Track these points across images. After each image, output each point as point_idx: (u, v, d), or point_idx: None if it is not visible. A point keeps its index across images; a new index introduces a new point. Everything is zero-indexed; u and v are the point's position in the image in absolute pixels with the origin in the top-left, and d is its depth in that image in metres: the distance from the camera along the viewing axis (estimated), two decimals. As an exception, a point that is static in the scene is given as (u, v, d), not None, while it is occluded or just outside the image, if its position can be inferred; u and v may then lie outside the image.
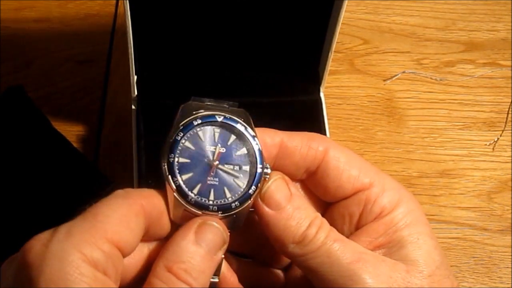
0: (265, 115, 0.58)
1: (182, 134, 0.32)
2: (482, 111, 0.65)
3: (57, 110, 0.62)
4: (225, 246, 0.32)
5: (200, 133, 0.33)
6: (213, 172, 0.32)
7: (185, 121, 0.33)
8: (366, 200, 0.34)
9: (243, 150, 0.33)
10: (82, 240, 0.28)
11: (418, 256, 0.33)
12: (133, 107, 0.57)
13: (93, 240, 0.28)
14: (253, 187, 0.33)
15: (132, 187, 0.53)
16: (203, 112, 0.33)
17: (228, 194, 0.32)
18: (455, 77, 0.67)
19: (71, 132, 0.60)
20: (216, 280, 0.33)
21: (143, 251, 0.32)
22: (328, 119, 0.59)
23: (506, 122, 0.65)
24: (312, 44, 0.57)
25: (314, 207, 0.36)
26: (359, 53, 0.68)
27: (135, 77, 0.56)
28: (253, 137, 0.33)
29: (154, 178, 0.35)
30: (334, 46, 0.55)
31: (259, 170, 0.33)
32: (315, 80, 0.59)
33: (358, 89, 0.66)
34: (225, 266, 0.35)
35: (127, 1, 0.48)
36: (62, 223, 0.29)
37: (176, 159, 0.32)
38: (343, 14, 0.52)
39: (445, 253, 0.56)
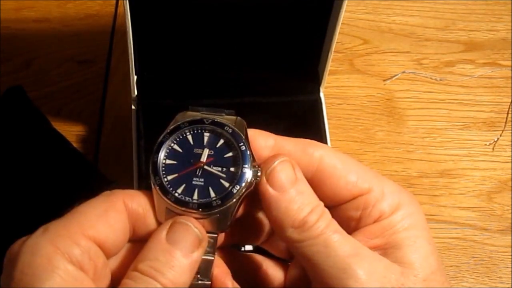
0: (265, 115, 0.58)
1: (168, 136, 0.34)
2: (482, 111, 0.65)
3: (57, 110, 0.62)
4: (203, 245, 0.32)
5: (189, 136, 0.34)
6: (198, 173, 0.33)
7: (174, 125, 0.34)
8: (365, 205, 0.34)
9: (231, 153, 0.33)
10: (57, 235, 0.29)
11: (414, 259, 0.32)
12: (133, 107, 0.57)
13: (68, 235, 0.29)
14: (237, 186, 0.32)
15: (132, 187, 0.53)
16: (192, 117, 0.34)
17: (212, 194, 0.33)
18: (455, 77, 0.67)
19: (71, 132, 0.60)
20: (208, 283, 0.32)
21: (133, 252, 0.32)
22: (328, 119, 0.59)
23: (506, 122, 0.65)
24: (312, 44, 0.57)
25: None
26: (359, 53, 0.68)
27: (135, 77, 0.56)
28: (241, 139, 0.33)
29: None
30: (334, 46, 0.55)
31: (244, 170, 0.33)
32: (315, 80, 0.59)
33: (358, 89, 0.66)
34: (218, 269, 0.34)
35: (127, 1, 0.48)
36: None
37: (161, 160, 0.33)
38: (343, 14, 0.52)
39: (445, 253, 0.57)
